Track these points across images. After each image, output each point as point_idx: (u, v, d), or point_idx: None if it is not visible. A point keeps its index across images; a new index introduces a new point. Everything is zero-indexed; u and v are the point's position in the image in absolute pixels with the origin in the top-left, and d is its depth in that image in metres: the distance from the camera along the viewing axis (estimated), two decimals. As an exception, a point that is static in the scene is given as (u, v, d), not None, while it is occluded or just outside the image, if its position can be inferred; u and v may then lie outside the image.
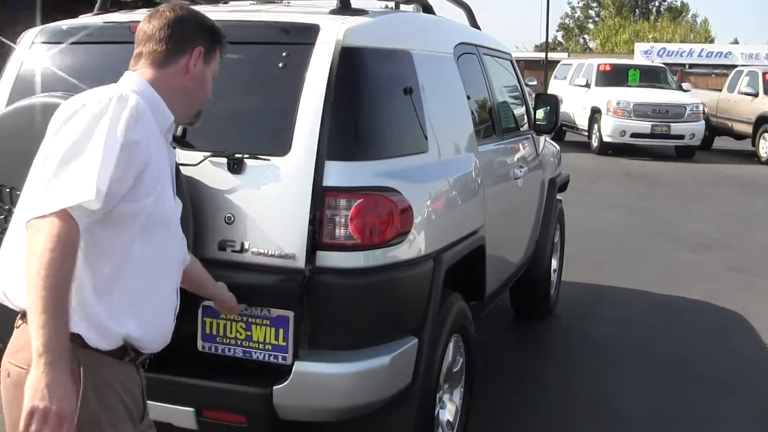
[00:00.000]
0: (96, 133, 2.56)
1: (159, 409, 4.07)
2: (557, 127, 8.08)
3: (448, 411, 5.04)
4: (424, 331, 4.45)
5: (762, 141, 22.06)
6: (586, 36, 76.16)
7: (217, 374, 4.14)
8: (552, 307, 8.44)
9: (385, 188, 4.15)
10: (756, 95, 22.58)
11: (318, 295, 4.02)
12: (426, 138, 4.68)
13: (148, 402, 3.91)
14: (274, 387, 4.00)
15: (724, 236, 12.53)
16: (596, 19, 74.98)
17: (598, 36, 71.01)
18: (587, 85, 23.49)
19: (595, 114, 22.67)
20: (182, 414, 4.13)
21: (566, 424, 5.98)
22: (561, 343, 7.86)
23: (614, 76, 23.59)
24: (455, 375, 5.08)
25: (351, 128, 4.20)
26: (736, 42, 62.17)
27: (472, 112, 5.66)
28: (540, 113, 7.52)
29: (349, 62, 4.22)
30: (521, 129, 7.21)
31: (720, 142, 25.43)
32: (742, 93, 23.34)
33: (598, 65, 24.09)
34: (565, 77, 25.55)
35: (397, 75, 4.62)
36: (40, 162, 2.59)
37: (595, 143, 22.74)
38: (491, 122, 6.18)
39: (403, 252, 4.25)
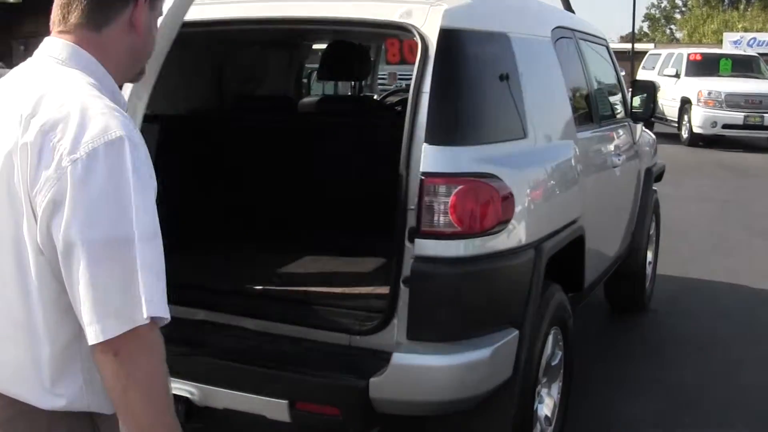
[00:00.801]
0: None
1: (251, 401, 4.03)
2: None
3: (546, 406, 4.88)
4: (525, 323, 4.30)
5: None
6: (672, 26, 74.80)
7: (311, 365, 4.02)
8: (647, 300, 8.18)
9: (485, 174, 4.02)
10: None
11: (417, 284, 3.89)
12: (525, 123, 4.52)
13: (242, 393, 3.85)
14: (371, 379, 3.88)
15: (823, 229, 12.10)
16: (683, 8, 73.54)
17: (685, 26, 69.62)
18: (677, 75, 22.97)
19: (685, 105, 22.14)
20: (275, 406, 4.03)
21: (670, 423, 5.76)
22: (657, 338, 7.62)
23: (705, 66, 23.02)
24: (554, 369, 4.92)
25: (450, 112, 4.06)
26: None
27: (570, 98, 5.48)
28: (636, 100, 7.30)
29: (448, 45, 4.09)
30: (618, 116, 7.00)
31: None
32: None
33: (689, 55, 23.55)
34: (654, 67, 25.01)
35: (496, 58, 4.47)
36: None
37: (685, 134, 22.23)
38: (589, 109, 6.00)
39: (504, 241, 4.11)
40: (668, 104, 22.83)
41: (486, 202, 3.96)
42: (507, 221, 4.06)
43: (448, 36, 4.09)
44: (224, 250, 5.41)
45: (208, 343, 4.27)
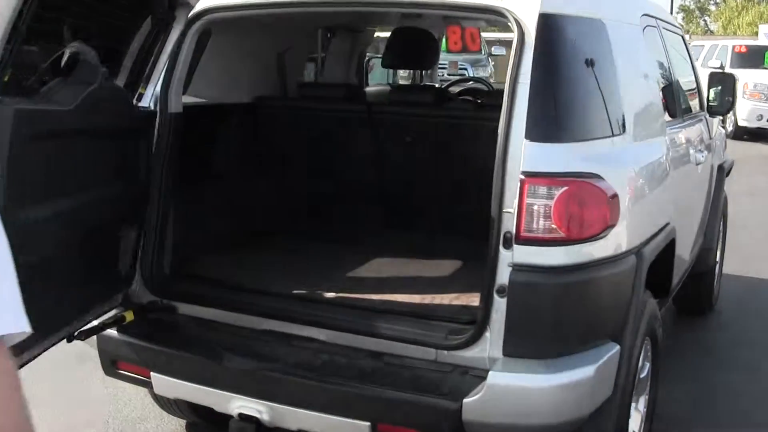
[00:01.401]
0: None
1: (328, 423, 3.72)
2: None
3: (633, 421, 4.50)
4: (625, 336, 3.96)
5: None
6: (706, 18, 73.89)
7: (395, 383, 3.69)
8: (714, 301, 7.78)
9: (591, 174, 3.66)
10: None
11: (516, 296, 3.55)
12: (624, 118, 4.15)
13: (317, 413, 3.48)
14: (465, 400, 3.52)
15: None
16: (718, 0, 72.62)
17: (719, 18, 68.75)
18: (721, 68, 22.42)
19: (730, 97, 21.54)
20: (355, 428, 3.70)
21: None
22: (726, 341, 7.22)
23: (750, 58, 22.47)
24: (642, 382, 4.56)
25: (552, 105, 3.70)
26: None
27: (660, 91, 5.10)
28: (712, 93, 6.89)
29: (548, 31, 3.73)
30: (694, 110, 6.61)
31: None
32: None
33: (734, 47, 23.00)
34: (697, 59, 24.45)
35: (594, 47, 4.10)
36: None
37: (729, 127, 21.68)
38: (674, 102, 5.60)
39: (607, 247, 3.76)
40: (712, 96, 22.21)
41: (593, 206, 3.61)
42: (612, 226, 3.69)
43: (547, 22, 3.73)
44: (290, 249, 5.07)
45: (276, 356, 3.92)
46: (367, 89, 6.30)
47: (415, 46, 5.94)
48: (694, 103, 6.70)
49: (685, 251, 5.76)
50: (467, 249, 5.00)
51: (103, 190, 3.84)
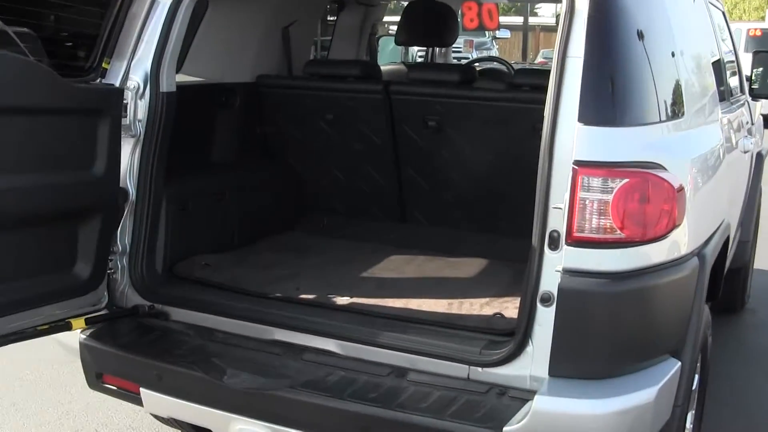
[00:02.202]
0: None
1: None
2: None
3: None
4: (685, 350, 3.46)
5: None
6: (711, 2, 73.05)
7: (421, 406, 3.18)
8: (746, 299, 7.26)
9: (653, 164, 3.15)
10: None
11: (566, 306, 3.04)
12: (681, 99, 3.61)
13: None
14: (506, 429, 3.01)
15: None
16: (724, -16, 71.75)
17: (725, 2, 68.08)
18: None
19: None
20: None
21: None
22: (765, 342, 6.67)
23: (764, 42, 21.86)
24: (691, 395, 4.02)
25: (609, 82, 3.16)
26: None
27: (712, 70, 4.57)
28: (754, 75, 6.35)
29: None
30: (736, 93, 6.06)
31: None
32: None
33: (748, 30, 22.41)
34: (708, 43, 23.89)
35: (652, 16, 3.57)
36: None
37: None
38: (722, 83, 5.07)
39: (669, 249, 3.25)
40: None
41: (658, 201, 3.08)
42: (679, 224, 3.16)
43: None
44: (299, 246, 4.56)
45: (284, 372, 3.41)
46: (384, 68, 5.74)
47: (433, 20, 5.42)
48: (736, 85, 6.15)
49: (732, 248, 5.25)
50: (497, 247, 4.50)
51: (33, 177, 3.30)
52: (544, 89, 4.19)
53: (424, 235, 4.74)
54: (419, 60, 8.00)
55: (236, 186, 4.51)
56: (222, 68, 4.67)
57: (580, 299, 3.06)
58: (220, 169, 4.60)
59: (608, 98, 3.14)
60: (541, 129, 4.14)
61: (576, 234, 3.04)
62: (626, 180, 3.03)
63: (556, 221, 3.08)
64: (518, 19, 34.06)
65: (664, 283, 3.21)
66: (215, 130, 4.66)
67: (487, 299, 3.80)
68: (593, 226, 3.04)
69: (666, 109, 3.45)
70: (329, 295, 3.82)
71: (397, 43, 5.81)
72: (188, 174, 4.23)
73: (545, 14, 47.85)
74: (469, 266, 4.35)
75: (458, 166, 4.56)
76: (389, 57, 7.55)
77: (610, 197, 3.02)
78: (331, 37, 5.93)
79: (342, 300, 3.77)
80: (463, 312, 3.64)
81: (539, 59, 24.55)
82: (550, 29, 37.47)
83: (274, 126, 4.88)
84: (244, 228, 4.56)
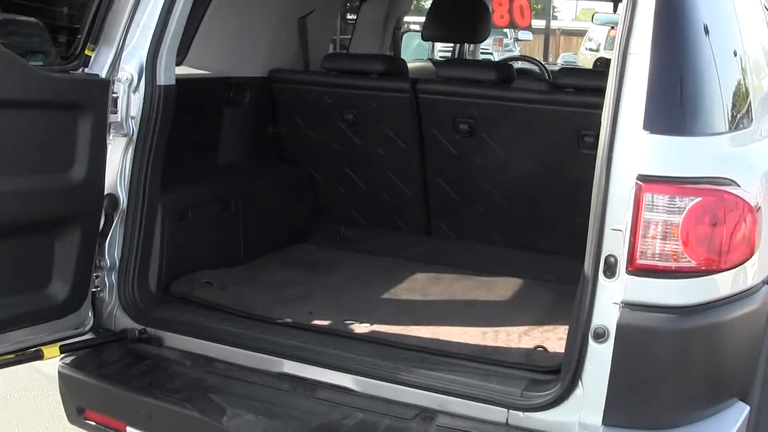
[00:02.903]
0: None
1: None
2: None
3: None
4: (753, 392, 3.02)
5: None
6: None
7: None
8: None
9: (725, 180, 2.70)
10: None
11: (626, 344, 2.63)
12: (749, 106, 3.15)
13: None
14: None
15: None
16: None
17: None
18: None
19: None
20: None
21: None
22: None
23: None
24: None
25: (677, 84, 2.71)
26: None
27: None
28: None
29: None
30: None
31: None
32: None
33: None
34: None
35: (714, 8, 3.09)
36: None
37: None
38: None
39: (742, 277, 2.80)
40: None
41: (735, 224, 2.62)
42: (756, 251, 2.70)
43: None
44: (313, 262, 4.11)
45: (293, 413, 2.98)
46: (411, 65, 5.26)
47: (464, 14, 4.97)
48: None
49: None
50: (534, 265, 4.07)
51: None
52: (589, 91, 3.78)
53: (452, 251, 4.30)
54: (445, 56, 7.51)
55: (244, 193, 4.06)
56: (231, 61, 4.22)
57: (643, 337, 2.64)
58: (226, 174, 4.15)
59: (677, 103, 2.70)
60: (586, 136, 3.76)
61: (639, 261, 2.61)
62: (698, 199, 2.58)
63: (614, 245, 2.66)
64: (537, 22, 33.68)
65: (735, 317, 2.79)
66: (221, 129, 4.22)
67: (526, 327, 3.37)
68: (659, 252, 2.61)
69: (733, 117, 2.98)
70: (346, 321, 3.38)
71: (424, 38, 5.35)
72: (189, 179, 3.80)
73: (565, 18, 47.30)
74: (502, 287, 3.91)
75: (492, 175, 4.11)
76: (413, 54, 7.06)
77: (679, 219, 2.56)
78: (352, 31, 5.47)
79: (361, 327, 3.33)
80: (500, 344, 3.20)
81: (560, 62, 23.98)
82: (570, 33, 37.09)
83: (287, 126, 4.43)
84: (251, 240, 4.11)
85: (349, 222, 4.56)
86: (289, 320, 3.39)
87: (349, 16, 5.53)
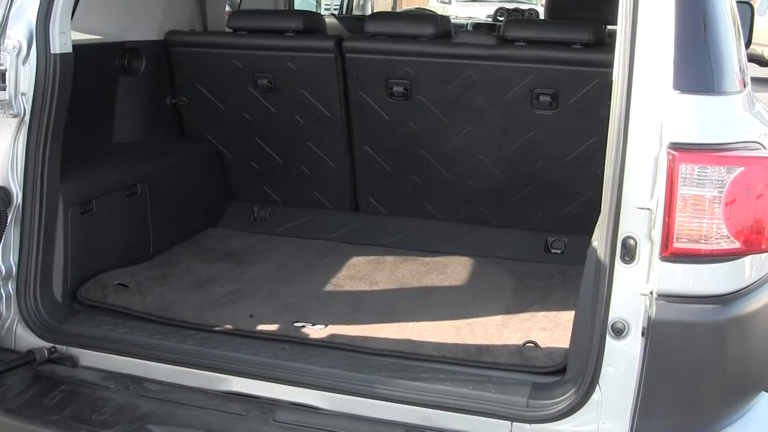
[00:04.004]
0: None
1: None
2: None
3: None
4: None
5: None
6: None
7: None
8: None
9: (757, 145, 2.36)
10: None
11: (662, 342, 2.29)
12: (744, 62, 2.81)
13: None
14: None
15: None
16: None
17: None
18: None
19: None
20: None
21: None
22: None
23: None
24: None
25: (701, 34, 2.31)
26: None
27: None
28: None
29: None
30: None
31: None
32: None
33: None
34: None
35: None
36: None
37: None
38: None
39: (772, 257, 2.44)
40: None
41: (784, 196, 2.25)
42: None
43: None
44: (247, 252, 3.63)
45: None
46: (329, 19, 4.70)
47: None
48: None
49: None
50: (478, 240, 3.68)
51: None
52: (543, 44, 3.38)
53: (385, 228, 3.85)
54: (334, 11, 6.95)
55: (149, 175, 3.49)
56: (121, 22, 3.62)
57: (682, 333, 2.29)
58: (128, 154, 3.56)
59: (708, 57, 2.30)
60: (541, 95, 3.36)
61: (675, 245, 2.21)
62: (741, 168, 2.19)
63: (635, 225, 2.29)
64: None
65: (766, 302, 2.43)
66: (116, 103, 3.63)
67: (500, 318, 2.99)
68: (698, 232, 2.21)
69: (743, 74, 2.62)
70: (296, 324, 2.90)
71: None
72: (88, 163, 3.22)
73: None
74: (453, 269, 3.49)
75: (430, 143, 3.65)
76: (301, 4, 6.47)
77: (722, 193, 2.18)
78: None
79: (315, 331, 2.86)
80: (481, 341, 2.78)
81: None
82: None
83: (189, 95, 3.84)
84: (160, 229, 3.55)
85: (264, 201, 4.03)
86: (228, 327, 2.88)
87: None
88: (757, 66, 21.38)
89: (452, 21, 6.29)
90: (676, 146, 2.18)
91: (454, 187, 3.72)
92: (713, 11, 2.37)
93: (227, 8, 4.61)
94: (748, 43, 5.07)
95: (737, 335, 2.34)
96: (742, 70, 2.62)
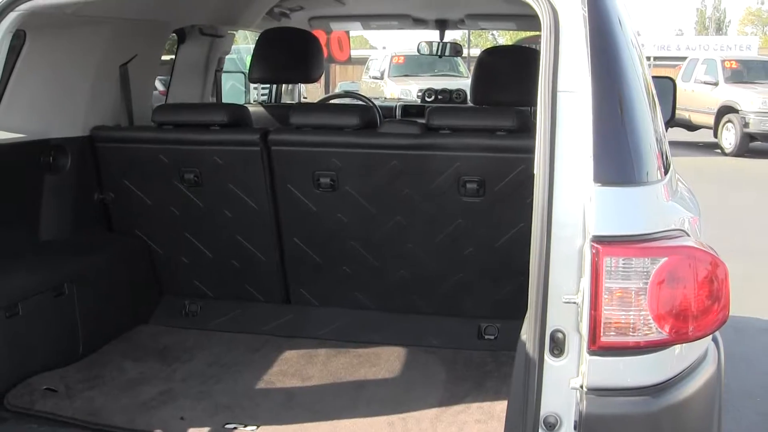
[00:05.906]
0: None
1: None
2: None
3: None
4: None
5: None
6: None
7: None
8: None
9: (679, 232, 2.38)
10: (716, 84, 20.88)
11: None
12: (665, 146, 2.84)
13: None
14: None
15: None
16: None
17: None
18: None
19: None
20: None
21: None
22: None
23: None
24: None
25: (621, 126, 2.35)
26: None
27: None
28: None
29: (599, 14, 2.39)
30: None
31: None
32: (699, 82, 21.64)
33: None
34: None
35: (629, 41, 2.73)
36: None
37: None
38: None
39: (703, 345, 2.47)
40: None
41: (707, 283, 2.25)
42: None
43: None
44: (161, 345, 3.55)
45: None
46: (254, 110, 4.67)
47: (296, 52, 4.48)
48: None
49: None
50: (409, 330, 3.65)
51: None
52: (468, 132, 3.39)
53: (317, 321, 3.79)
54: (262, 98, 6.93)
55: (76, 274, 3.41)
56: (45, 119, 3.56)
57: (615, 426, 2.22)
58: (53, 253, 3.48)
59: (628, 148, 2.32)
60: (468, 182, 3.36)
61: (603, 338, 2.19)
62: (664, 259, 2.19)
63: (563, 318, 2.26)
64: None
65: (700, 387, 2.43)
66: (42, 200, 3.55)
67: (434, 411, 2.97)
68: (625, 325, 2.20)
69: (662, 158, 2.64)
70: (227, 426, 2.82)
71: (252, 80, 4.79)
72: (14, 264, 3.14)
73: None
74: (386, 360, 3.46)
75: (359, 233, 3.62)
76: (228, 98, 6.42)
77: (647, 284, 2.18)
78: (170, 74, 4.85)
79: None
80: None
81: (338, 89, 23.12)
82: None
83: (116, 190, 3.79)
84: (89, 329, 3.47)
85: (194, 295, 3.96)
86: None
87: (164, 58, 4.90)
88: (686, 131, 21.89)
89: (382, 102, 6.35)
90: (599, 239, 2.17)
91: (385, 276, 3.70)
92: (634, 102, 2.41)
93: (161, 87, 4.54)
94: (671, 119, 5.14)
95: (670, 424, 2.31)
96: (663, 154, 2.66)
